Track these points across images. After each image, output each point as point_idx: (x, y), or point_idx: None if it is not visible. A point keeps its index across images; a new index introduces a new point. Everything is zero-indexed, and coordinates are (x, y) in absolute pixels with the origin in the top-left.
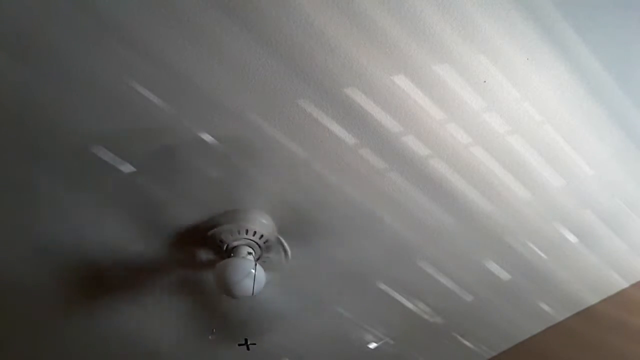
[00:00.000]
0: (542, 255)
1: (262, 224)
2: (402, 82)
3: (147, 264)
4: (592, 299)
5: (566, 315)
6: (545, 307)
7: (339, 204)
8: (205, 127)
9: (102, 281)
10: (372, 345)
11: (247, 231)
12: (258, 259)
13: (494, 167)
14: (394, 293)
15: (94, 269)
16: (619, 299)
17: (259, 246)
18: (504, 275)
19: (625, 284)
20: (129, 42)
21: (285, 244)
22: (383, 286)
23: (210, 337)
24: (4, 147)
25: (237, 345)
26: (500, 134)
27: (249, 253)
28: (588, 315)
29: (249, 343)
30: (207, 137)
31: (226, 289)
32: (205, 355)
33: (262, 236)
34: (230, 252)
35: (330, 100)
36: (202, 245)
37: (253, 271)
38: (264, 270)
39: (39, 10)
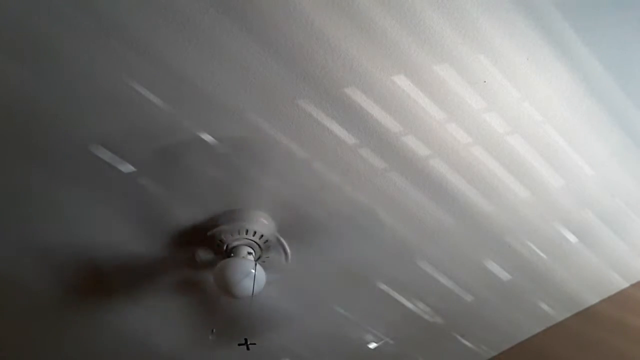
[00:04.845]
0: (542, 255)
1: (262, 223)
2: (402, 82)
3: (147, 263)
4: (592, 299)
5: (566, 315)
6: (545, 307)
7: (339, 203)
8: (205, 127)
9: (102, 281)
10: (372, 345)
11: (247, 231)
12: (258, 258)
13: (494, 167)
14: (394, 293)
15: (94, 268)
16: (619, 299)
17: (259, 246)
18: (504, 275)
19: (625, 284)
20: (129, 42)
21: (286, 245)
22: (383, 286)
23: (210, 337)
24: (3, 147)
25: (237, 345)
26: (500, 134)
27: (249, 253)
28: (588, 315)
29: (249, 343)
30: (207, 137)
31: (226, 289)
32: (205, 355)
33: (262, 236)
34: (230, 252)
35: (330, 100)
36: (202, 245)
37: (253, 271)
38: (264, 270)
39: (39, 10)
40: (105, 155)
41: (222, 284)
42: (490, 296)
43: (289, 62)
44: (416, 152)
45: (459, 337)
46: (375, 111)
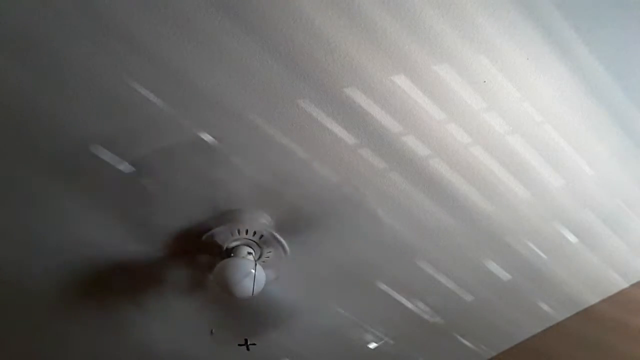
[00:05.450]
0: (542, 255)
1: (262, 224)
2: (402, 82)
3: (146, 263)
4: (592, 299)
5: (566, 315)
6: (545, 307)
7: (339, 204)
8: (205, 127)
9: (102, 281)
10: (372, 345)
11: (247, 231)
12: (259, 258)
13: (494, 167)
14: (394, 293)
15: (94, 268)
16: (619, 299)
17: (259, 246)
18: (504, 275)
19: (625, 284)
20: (129, 42)
21: (283, 241)
22: (383, 286)
23: (209, 337)
24: (4, 147)
25: (237, 345)
26: (500, 134)
27: (249, 253)
28: (588, 315)
29: (249, 343)
30: (207, 137)
31: (226, 289)
32: (205, 356)
33: (262, 236)
34: (230, 252)
35: (330, 100)
36: (202, 245)
37: (253, 271)
38: (264, 269)
39: (39, 10)
40: (105, 155)
41: (222, 284)
42: (490, 296)
43: (289, 62)
44: (416, 152)
45: (459, 337)
46: (375, 111)
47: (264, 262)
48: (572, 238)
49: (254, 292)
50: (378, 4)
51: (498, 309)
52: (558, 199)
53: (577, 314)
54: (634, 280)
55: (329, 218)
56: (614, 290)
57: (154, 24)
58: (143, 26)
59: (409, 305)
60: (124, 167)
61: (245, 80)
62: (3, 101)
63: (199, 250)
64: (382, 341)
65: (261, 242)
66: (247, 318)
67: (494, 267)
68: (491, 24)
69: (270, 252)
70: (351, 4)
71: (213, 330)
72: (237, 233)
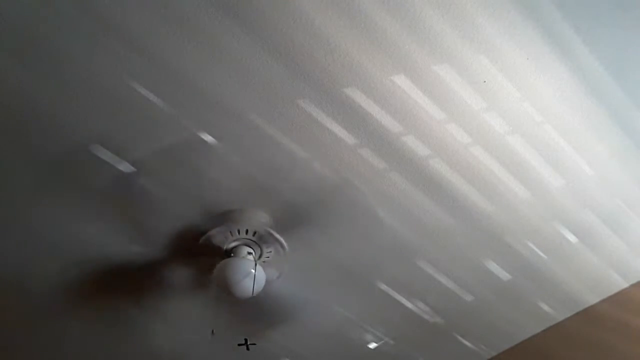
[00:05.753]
0: (542, 255)
1: (262, 224)
2: (402, 82)
3: (146, 263)
4: (592, 299)
5: (566, 315)
6: (545, 307)
7: (339, 204)
8: (205, 127)
9: (102, 281)
10: (372, 345)
11: (247, 231)
12: (259, 258)
13: (494, 167)
14: (394, 293)
15: (94, 268)
16: (619, 299)
17: (258, 245)
18: (504, 275)
19: (625, 284)
20: (129, 42)
21: (281, 239)
22: (383, 286)
23: (210, 337)
24: (4, 147)
25: (237, 345)
26: (500, 134)
27: (249, 253)
28: (588, 315)
29: (248, 343)
30: (207, 137)
31: (226, 289)
32: (205, 355)
33: (262, 236)
34: (230, 252)
35: (330, 100)
36: (202, 245)
37: (253, 271)
38: (264, 270)
39: (39, 10)
40: (105, 155)
41: (222, 284)
42: (490, 296)
43: (289, 62)
44: (416, 152)
45: (459, 337)
46: (375, 111)
47: (264, 261)
48: (572, 238)
49: (254, 292)
50: (378, 4)
51: (498, 309)
52: (558, 199)
53: (577, 314)
54: (634, 280)
55: (329, 217)
56: (614, 290)
57: (154, 24)
58: (143, 26)
59: (409, 305)
60: (124, 167)
61: (245, 80)
62: (3, 101)
63: (199, 250)
64: (382, 341)
65: (260, 241)
66: (248, 317)
67: (494, 267)
68: (491, 24)
69: (270, 251)
70: (351, 4)
71: (214, 331)
72: (237, 233)
